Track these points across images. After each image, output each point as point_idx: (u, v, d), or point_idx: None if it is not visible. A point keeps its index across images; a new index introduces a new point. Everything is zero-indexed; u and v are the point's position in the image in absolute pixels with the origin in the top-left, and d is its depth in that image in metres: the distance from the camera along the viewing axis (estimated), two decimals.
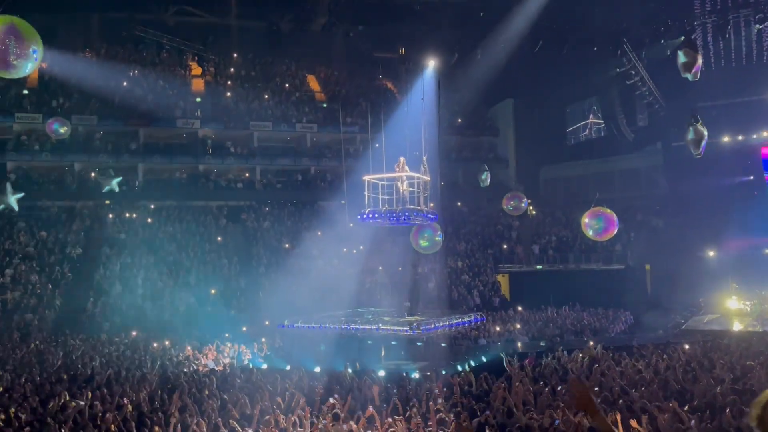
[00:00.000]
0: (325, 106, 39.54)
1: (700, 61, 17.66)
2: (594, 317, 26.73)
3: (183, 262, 30.00)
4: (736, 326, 23.49)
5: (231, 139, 37.24)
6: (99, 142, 34.73)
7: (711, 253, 30.00)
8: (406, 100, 27.45)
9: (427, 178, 18.63)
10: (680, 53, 17.51)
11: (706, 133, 18.77)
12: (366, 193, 18.04)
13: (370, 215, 17.80)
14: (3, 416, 9.98)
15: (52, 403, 11.04)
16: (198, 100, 37.22)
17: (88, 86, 32.41)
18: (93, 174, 33.25)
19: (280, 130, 37.65)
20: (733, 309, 26.24)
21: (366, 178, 18.17)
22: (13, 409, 10.40)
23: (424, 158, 18.63)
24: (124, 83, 35.13)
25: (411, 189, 17.70)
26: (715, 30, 30.58)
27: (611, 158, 37.11)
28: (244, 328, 24.48)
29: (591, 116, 39.35)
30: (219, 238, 32.59)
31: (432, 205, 18.51)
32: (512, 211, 25.14)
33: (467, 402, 12.01)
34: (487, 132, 42.52)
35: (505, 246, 35.35)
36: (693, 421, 8.99)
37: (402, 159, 17.92)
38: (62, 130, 24.97)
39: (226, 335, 22.50)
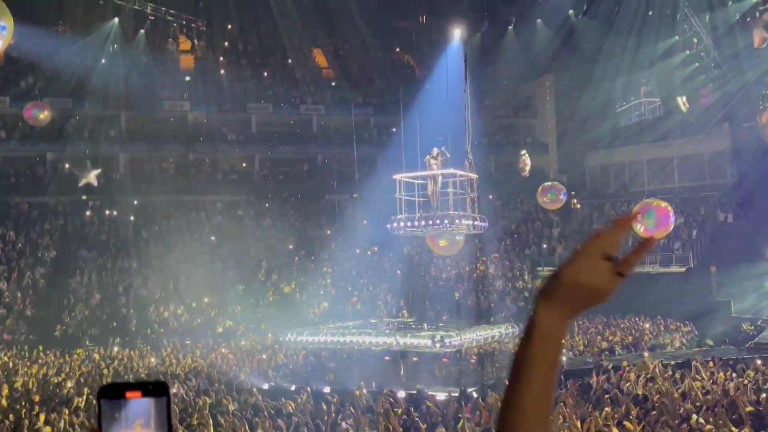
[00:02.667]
0: (333, 84, 39.56)
1: None
2: (650, 328, 26.45)
3: (171, 267, 30.17)
4: None
5: (225, 123, 37.40)
6: (74, 128, 35.01)
7: None
8: (430, 77, 27.35)
9: (473, 175, 18.39)
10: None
11: None
12: (398, 196, 17.86)
13: (404, 224, 17.60)
14: None
15: (24, 429, 11.13)
16: (187, 79, 37.41)
17: (61, 64, 32.68)
18: (67, 165, 33.56)
19: (281, 113, 37.72)
20: None
21: (397, 176, 17.93)
22: None
23: (468, 149, 18.39)
24: (102, 60, 35.36)
25: (452, 190, 17.39)
26: None
27: (669, 142, 36.61)
28: (243, 342, 24.58)
29: (645, 93, 38.90)
30: (213, 238, 32.75)
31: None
32: (548, 204, 24.90)
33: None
34: (523, 113, 42.27)
35: (545, 246, 35.12)
36: None
37: (436, 150, 17.65)
38: (42, 116, 25.27)
39: (223, 350, 22.59)
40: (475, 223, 18.28)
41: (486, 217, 19.22)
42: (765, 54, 20.07)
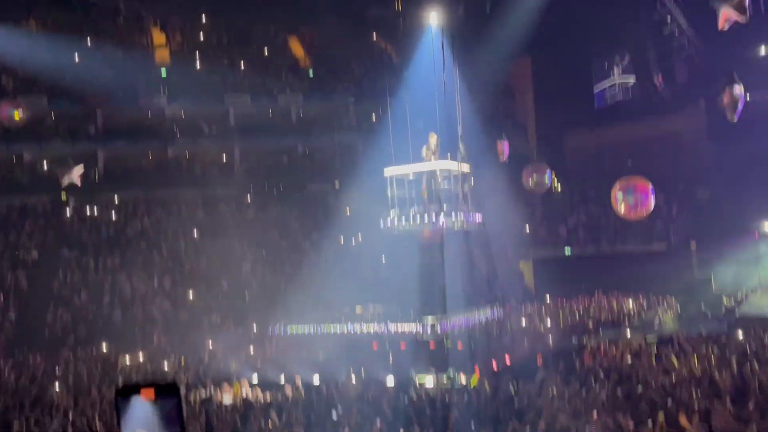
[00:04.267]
0: (311, 73, 39.44)
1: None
2: (633, 306, 26.85)
3: (155, 263, 30.09)
4: None
5: (204, 117, 37.20)
6: (50, 127, 34.67)
7: (767, 228, 30.04)
8: (410, 64, 27.29)
9: (466, 167, 18.25)
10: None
11: (742, 95, 18.70)
12: (389, 194, 17.76)
13: (398, 222, 17.49)
14: None
15: None
16: (163, 73, 37.11)
17: (33, 61, 32.29)
18: (46, 165, 33.27)
19: (260, 104, 37.57)
20: None
21: (389, 172, 17.80)
22: None
23: (461, 145, 18.21)
24: (76, 57, 34.98)
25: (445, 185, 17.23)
26: None
27: (647, 121, 36.96)
28: (231, 336, 24.65)
29: (621, 73, 39.21)
30: (195, 234, 32.67)
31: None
32: (534, 187, 25.10)
33: (491, 410, 12.14)
34: (501, 95, 42.38)
35: (527, 228, 35.40)
36: (753, 423, 9.09)
37: (433, 141, 17.41)
38: (17, 116, 25.09)
39: (211, 344, 22.64)
40: (473, 218, 18.29)
41: (478, 210, 19.20)
42: (738, 31, 20.26)
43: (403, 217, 17.54)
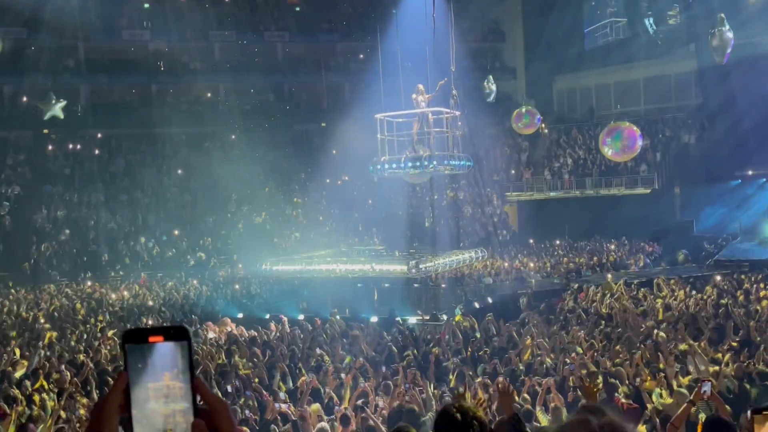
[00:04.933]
0: (298, 9, 38.57)
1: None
2: (616, 249, 27.13)
3: (139, 200, 29.93)
4: None
5: (187, 52, 36.42)
6: (31, 60, 33.83)
7: (750, 173, 30.23)
8: (399, 2, 26.72)
9: (457, 113, 18.11)
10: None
11: (731, 38, 18.54)
12: (379, 136, 17.57)
13: (387, 165, 17.34)
14: None
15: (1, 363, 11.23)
16: (146, 6, 36.11)
17: None
18: (26, 98, 32.61)
19: (246, 41, 36.81)
20: None
21: (379, 116, 17.59)
22: None
23: (454, 92, 17.97)
24: None
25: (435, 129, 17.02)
26: None
27: (636, 64, 36.63)
28: (221, 273, 24.79)
29: (611, 14, 38.64)
30: (179, 171, 32.41)
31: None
32: (523, 129, 25.00)
33: (473, 348, 12.32)
34: (491, 37, 41.78)
35: (513, 171, 35.41)
36: (728, 361, 9.27)
37: (421, 86, 17.25)
38: None
39: (194, 282, 22.72)
40: (461, 162, 18.21)
41: (468, 156, 19.12)
42: None
43: (393, 163, 17.39)
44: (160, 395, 1.18)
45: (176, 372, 1.17)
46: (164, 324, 14.00)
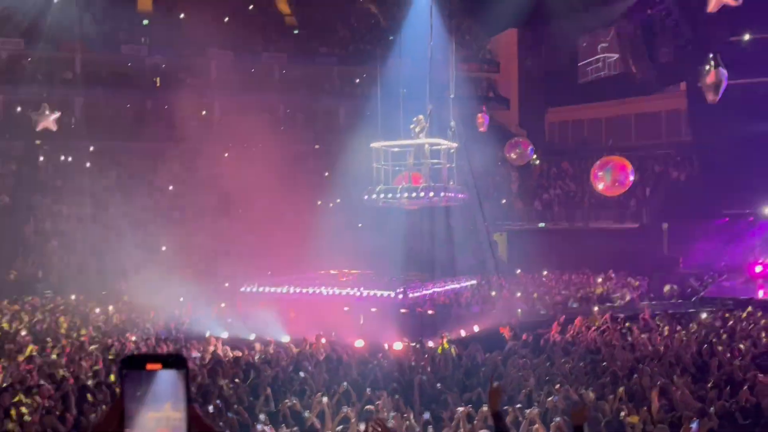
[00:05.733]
0: (296, 32, 38.85)
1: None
2: (602, 282, 27.18)
3: (129, 214, 29.79)
4: (762, 293, 24.05)
5: (184, 69, 36.54)
6: (27, 70, 33.86)
7: (738, 211, 30.46)
8: (398, 30, 26.90)
9: (454, 144, 18.06)
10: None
11: (725, 77, 18.81)
12: (375, 165, 17.51)
13: (383, 195, 17.27)
14: None
15: None
16: (145, 22, 36.30)
17: (11, 2, 31.41)
18: (20, 109, 32.56)
19: (243, 60, 36.99)
20: (759, 274, 26.85)
21: (375, 144, 17.54)
22: None
23: (452, 123, 17.97)
24: (56, 0, 34.04)
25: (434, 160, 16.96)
26: None
27: (628, 100, 37.10)
28: (203, 290, 24.56)
29: (603, 50, 39.10)
30: (170, 187, 32.34)
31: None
32: (516, 160, 25.16)
33: (458, 376, 12.28)
34: (486, 67, 42.20)
35: (503, 201, 35.53)
36: (711, 399, 9.28)
37: (420, 117, 17.17)
38: None
39: (180, 299, 22.56)
40: (457, 195, 18.20)
41: (463, 188, 19.11)
42: (724, 14, 20.31)
43: (389, 193, 17.34)
44: (162, 425, 1.17)
45: (176, 401, 1.16)
46: (152, 344, 13.89)
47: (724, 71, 18.64)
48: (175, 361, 1.18)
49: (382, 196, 17.44)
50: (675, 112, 36.71)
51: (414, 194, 16.89)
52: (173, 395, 1.18)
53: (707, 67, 18.72)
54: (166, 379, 1.17)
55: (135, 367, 1.17)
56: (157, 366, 1.17)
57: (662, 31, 35.33)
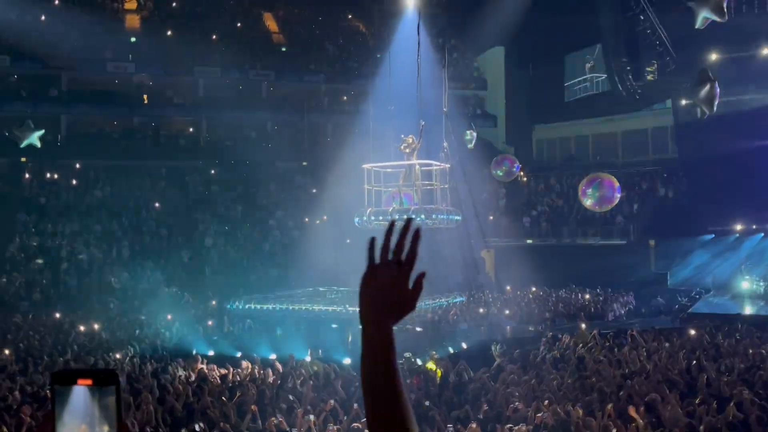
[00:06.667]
0: (284, 50, 38.98)
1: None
2: (590, 299, 27.21)
3: (114, 232, 29.63)
4: (748, 309, 24.18)
5: (171, 86, 36.55)
6: (12, 87, 33.74)
7: (724, 228, 30.66)
8: (385, 48, 27.00)
9: (447, 165, 17.95)
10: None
11: (718, 91, 18.96)
12: (366, 187, 17.41)
13: (374, 217, 17.14)
14: None
15: None
16: (132, 39, 36.32)
17: None
18: (6, 125, 32.35)
19: (230, 77, 37.04)
20: (746, 290, 27.00)
21: (366, 166, 17.43)
22: None
23: (445, 144, 17.85)
24: (42, 17, 34.02)
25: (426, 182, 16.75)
26: None
27: (614, 117, 37.42)
28: (194, 309, 24.43)
29: (590, 69, 39.46)
30: (157, 205, 32.20)
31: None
32: (502, 177, 25.22)
33: (446, 393, 12.23)
34: (473, 85, 42.48)
35: (491, 217, 35.61)
36: (699, 415, 9.28)
37: (411, 138, 17.05)
38: None
39: (168, 317, 22.37)
40: (450, 217, 18.10)
41: (457, 210, 19.03)
42: (708, 32, 20.57)
43: (380, 215, 17.23)
44: None
45: (106, 419, 1.11)
46: (137, 362, 13.74)
47: (717, 85, 18.79)
48: (106, 377, 1.14)
49: (372, 218, 17.35)
50: (661, 130, 37.05)
51: (405, 217, 16.81)
52: (104, 412, 1.13)
53: (701, 82, 18.82)
54: (98, 396, 1.13)
55: (66, 382, 1.13)
56: (88, 382, 1.13)
57: (648, 49, 35.69)
